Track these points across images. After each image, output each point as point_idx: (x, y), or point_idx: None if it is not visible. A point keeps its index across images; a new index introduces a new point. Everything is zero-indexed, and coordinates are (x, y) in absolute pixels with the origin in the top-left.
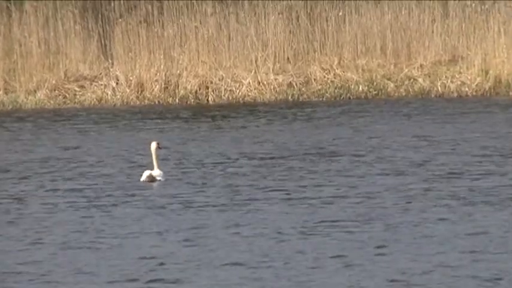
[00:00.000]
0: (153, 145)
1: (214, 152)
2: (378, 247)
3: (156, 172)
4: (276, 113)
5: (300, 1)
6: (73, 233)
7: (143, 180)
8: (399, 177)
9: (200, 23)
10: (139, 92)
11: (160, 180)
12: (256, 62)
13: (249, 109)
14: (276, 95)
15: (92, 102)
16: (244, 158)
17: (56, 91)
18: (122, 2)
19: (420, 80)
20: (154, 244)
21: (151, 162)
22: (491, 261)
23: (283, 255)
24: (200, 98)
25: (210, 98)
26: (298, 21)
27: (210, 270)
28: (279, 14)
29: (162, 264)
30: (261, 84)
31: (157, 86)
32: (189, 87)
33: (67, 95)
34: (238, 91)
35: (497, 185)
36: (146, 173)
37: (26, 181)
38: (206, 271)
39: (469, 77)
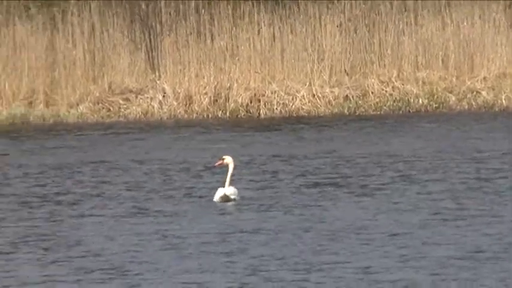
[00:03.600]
0: (231, 160)
1: (280, 168)
2: None
3: (230, 190)
4: (334, 127)
5: (359, 12)
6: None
7: (216, 201)
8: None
9: (256, 33)
10: (188, 105)
11: (235, 199)
12: (311, 74)
13: (303, 123)
14: (331, 109)
15: (137, 116)
16: (312, 178)
17: (100, 104)
18: (171, 13)
19: (483, 93)
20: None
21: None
22: None
23: None
24: (251, 111)
25: (261, 112)
26: (356, 32)
27: None
28: (337, 26)
29: None
30: (315, 97)
31: (206, 99)
32: (239, 100)
33: (111, 108)
34: (291, 104)
35: None
36: (219, 193)
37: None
38: None
39: None
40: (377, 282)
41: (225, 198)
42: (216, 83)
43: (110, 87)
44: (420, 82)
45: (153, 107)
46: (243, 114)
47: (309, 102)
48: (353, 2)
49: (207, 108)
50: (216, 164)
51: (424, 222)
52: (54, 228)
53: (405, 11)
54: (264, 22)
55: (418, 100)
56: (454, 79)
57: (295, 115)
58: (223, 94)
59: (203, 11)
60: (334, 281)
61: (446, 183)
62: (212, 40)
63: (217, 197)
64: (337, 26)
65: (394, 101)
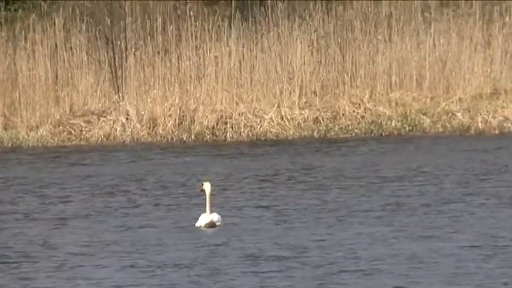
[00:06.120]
0: (208, 186)
1: (258, 194)
2: None
3: (215, 217)
4: (305, 151)
5: (331, 28)
6: None
7: (200, 226)
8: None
9: (224, 52)
10: (151, 128)
11: (219, 225)
12: (280, 95)
13: (273, 147)
14: (301, 131)
15: (99, 139)
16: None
17: (60, 127)
18: (137, 30)
19: (459, 115)
20: None
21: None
22: None
23: None
24: (218, 134)
25: (228, 135)
26: (327, 50)
27: None
28: (308, 46)
29: None
30: (284, 119)
31: (171, 122)
32: (205, 122)
33: (72, 131)
34: (259, 127)
35: None
36: (205, 218)
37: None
38: None
39: None
40: None
41: (211, 225)
42: (181, 105)
43: (71, 109)
44: (393, 103)
45: (116, 130)
46: (208, 137)
47: (277, 124)
48: (325, 17)
49: (172, 131)
50: (197, 189)
51: None
52: None
53: (379, 27)
54: (232, 40)
55: (391, 123)
56: (428, 100)
57: (263, 138)
58: (188, 116)
59: (170, 27)
60: None
61: None
62: (178, 59)
63: (202, 222)
64: (309, 46)
65: (366, 124)
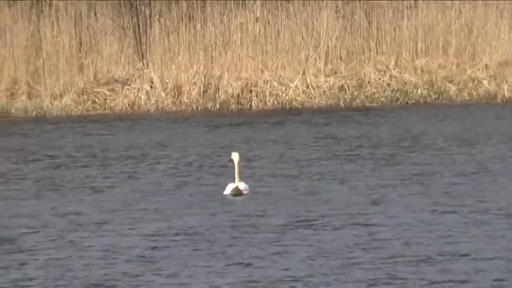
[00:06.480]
0: (236, 156)
1: (286, 166)
2: None
3: (242, 185)
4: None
5: None
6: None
7: (227, 194)
8: None
9: (250, 18)
10: (176, 97)
11: (246, 194)
12: (306, 62)
13: (299, 115)
14: (326, 100)
15: (124, 108)
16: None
17: (85, 95)
18: None
19: (485, 82)
20: None
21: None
22: None
23: None
24: (243, 103)
25: (253, 103)
26: (353, 16)
27: None
28: (336, 12)
29: None
30: (309, 87)
31: (195, 90)
32: (230, 91)
33: (96, 100)
34: (284, 95)
35: None
36: (231, 186)
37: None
38: None
39: None
40: None
41: (237, 192)
42: (205, 72)
43: (95, 76)
44: (419, 70)
45: (140, 99)
46: (233, 106)
47: (302, 93)
48: None
49: (197, 99)
50: (226, 160)
51: None
52: None
53: None
54: (258, 6)
55: (417, 91)
56: (454, 67)
57: (288, 107)
58: (213, 84)
59: None
60: None
61: None
62: (203, 25)
63: (228, 190)
64: (336, 13)
65: (391, 91)
